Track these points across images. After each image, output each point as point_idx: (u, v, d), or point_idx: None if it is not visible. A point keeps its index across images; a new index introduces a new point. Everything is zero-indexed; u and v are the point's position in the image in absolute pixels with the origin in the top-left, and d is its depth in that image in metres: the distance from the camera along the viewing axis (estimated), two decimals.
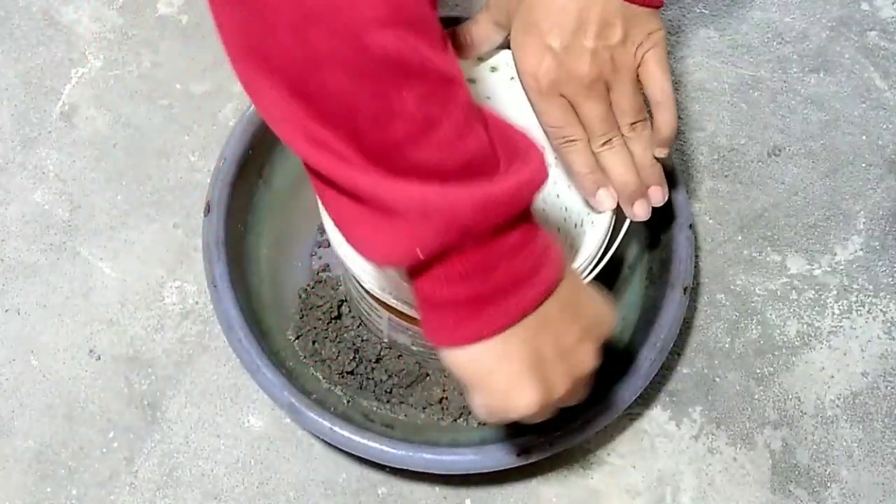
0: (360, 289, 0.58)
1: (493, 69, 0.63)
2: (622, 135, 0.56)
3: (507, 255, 0.41)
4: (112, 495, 0.69)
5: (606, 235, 0.58)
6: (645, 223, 0.69)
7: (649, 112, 0.57)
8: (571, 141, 0.56)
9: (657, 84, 0.55)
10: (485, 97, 0.65)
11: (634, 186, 0.57)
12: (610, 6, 0.53)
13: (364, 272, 0.57)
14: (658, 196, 0.58)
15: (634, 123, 0.56)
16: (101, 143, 0.79)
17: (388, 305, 0.58)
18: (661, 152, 0.57)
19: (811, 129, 0.83)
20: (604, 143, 0.56)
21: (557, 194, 0.65)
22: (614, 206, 0.58)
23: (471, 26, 0.60)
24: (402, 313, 0.58)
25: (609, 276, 0.71)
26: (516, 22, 0.55)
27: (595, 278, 0.59)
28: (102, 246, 0.76)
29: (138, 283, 0.75)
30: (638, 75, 0.56)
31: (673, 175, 0.67)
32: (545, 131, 0.57)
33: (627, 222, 0.59)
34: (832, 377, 0.74)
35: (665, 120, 0.56)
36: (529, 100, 0.56)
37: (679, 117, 0.80)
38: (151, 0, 0.85)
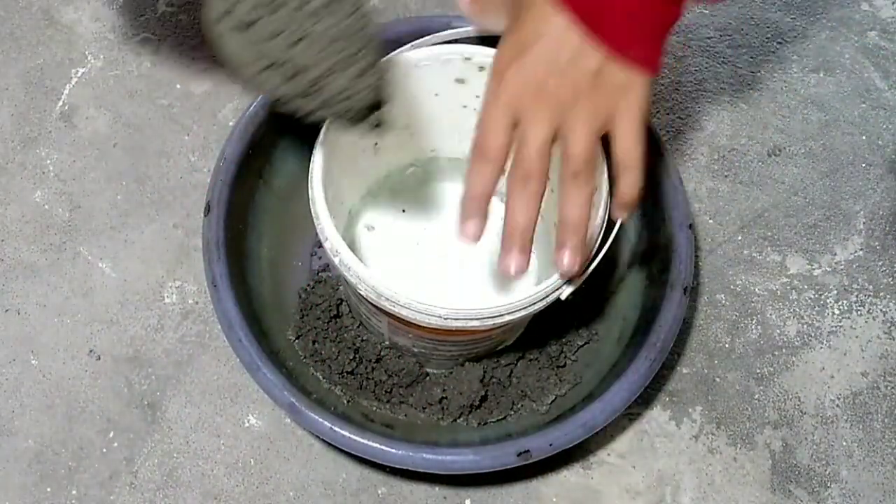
0: (359, 294, 0.58)
1: (481, 68, 0.63)
2: (548, 186, 0.52)
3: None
4: (112, 495, 0.69)
5: (600, 233, 0.58)
6: (645, 223, 0.69)
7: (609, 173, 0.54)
8: (487, 160, 0.52)
9: (625, 144, 0.51)
10: (474, 96, 0.66)
11: (520, 237, 0.52)
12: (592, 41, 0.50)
13: (359, 280, 0.57)
14: (566, 262, 0.53)
15: (577, 174, 0.51)
16: (101, 143, 0.79)
17: (386, 311, 0.58)
18: (621, 215, 0.54)
19: (811, 129, 0.83)
20: (522, 178, 0.51)
21: (552, 189, 0.65)
22: (474, 244, 0.54)
23: None
24: (400, 318, 0.58)
25: (608, 276, 0.71)
26: (510, 15, 0.53)
27: (594, 278, 0.59)
28: (102, 246, 0.76)
29: (138, 283, 0.75)
30: (607, 132, 0.52)
31: (673, 174, 0.67)
32: (473, 139, 0.53)
33: (615, 229, 0.57)
34: (832, 377, 0.74)
35: (628, 183, 0.52)
36: (483, 101, 0.53)
37: (681, 117, 0.80)
38: (151, 0, 0.85)
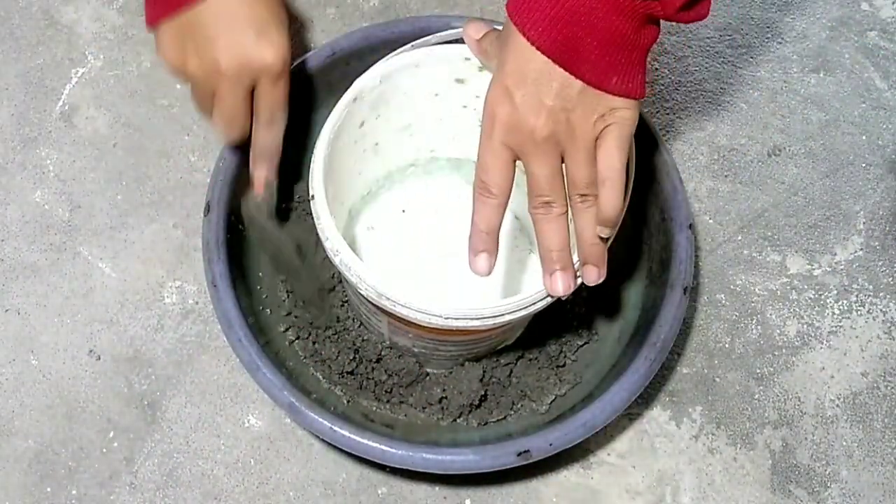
0: (359, 294, 0.58)
1: (481, 68, 0.63)
2: (567, 206, 0.54)
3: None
4: (112, 495, 0.69)
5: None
6: (645, 223, 0.69)
7: None
8: (491, 196, 0.54)
9: (607, 160, 0.53)
10: (474, 96, 0.66)
11: (558, 257, 0.54)
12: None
13: (360, 279, 0.57)
14: (593, 276, 0.56)
15: (585, 196, 0.53)
16: (101, 143, 0.79)
17: (386, 311, 0.58)
18: (604, 231, 0.55)
19: (811, 129, 0.83)
20: (542, 205, 0.53)
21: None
22: (486, 277, 0.56)
23: (485, 40, 0.59)
24: (400, 318, 0.58)
25: (608, 276, 0.71)
26: (498, 58, 0.54)
27: None
28: (102, 246, 0.76)
29: (138, 283, 0.75)
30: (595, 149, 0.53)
31: (673, 174, 0.67)
32: (475, 177, 0.55)
33: (604, 235, 0.58)
34: (832, 377, 0.74)
35: (608, 198, 0.53)
36: (480, 140, 0.54)
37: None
38: None
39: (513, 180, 0.54)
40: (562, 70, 0.51)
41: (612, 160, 0.53)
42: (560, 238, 0.54)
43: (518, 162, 0.54)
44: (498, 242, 0.55)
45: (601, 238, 0.55)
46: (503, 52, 0.53)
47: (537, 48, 0.51)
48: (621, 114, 0.53)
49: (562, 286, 0.55)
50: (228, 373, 0.72)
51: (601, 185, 0.53)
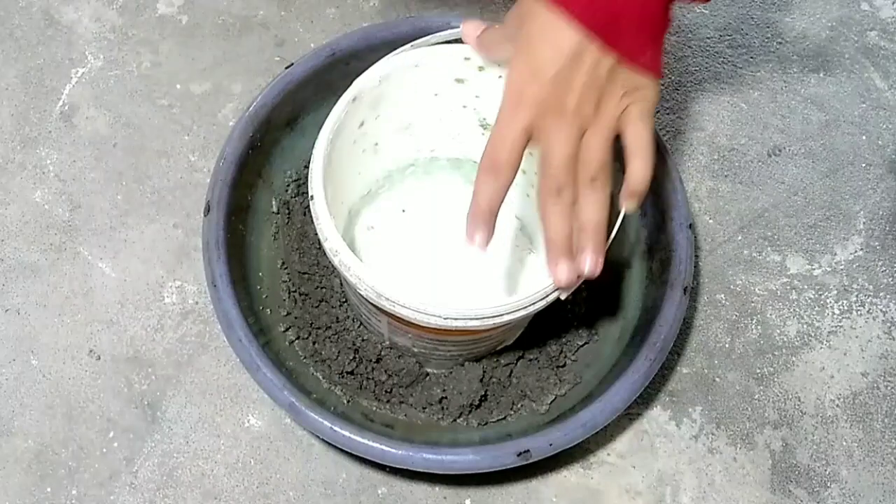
0: (359, 294, 0.58)
1: (481, 68, 0.63)
2: (575, 191, 0.54)
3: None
4: (112, 495, 0.69)
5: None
6: (645, 223, 0.69)
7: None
8: (499, 174, 0.53)
9: (634, 132, 0.53)
10: (474, 96, 0.66)
11: (563, 245, 0.54)
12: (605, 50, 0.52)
13: (359, 280, 0.57)
14: (590, 266, 0.54)
15: (595, 179, 0.53)
16: (101, 143, 0.79)
17: (386, 311, 0.58)
18: (630, 205, 0.55)
19: (811, 129, 0.83)
20: (554, 191, 0.53)
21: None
22: (483, 251, 0.55)
23: (486, 33, 0.59)
24: (400, 318, 0.58)
25: (608, 276, 0.71)
26: (518, 41, 0.54)
27: (594, 278, 0.59)
28: (102, 246, 0.76)
29: (138, 283, 0.75)
30: (618, 132, 0.54)
31: (673, 174, 0.67)
32: (484, 152, 0.54)
33: (620, 218, 0.58)
34: (832, 377, 0.74)
35: (637, 168, 0.54)
36: (497, 117, 0.54)
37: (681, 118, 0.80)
38: (151, 0, 0.85)
39: (520, 162, 0.54)
40: (595, 46, 0.51)
41: (641, 131, 0.54)
42: (567, 226, 0.54)
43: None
44: (495, 223, 0.55)
45: (604, 230, 0.55)
46: (527, 31, 0.53)
47: (580, 22, 0.51)
48: (644, 93, 0.53)
49: (566, 275, 0.54)
50: (228, 373, 0.72)
51: (631, 157, 0.54)
